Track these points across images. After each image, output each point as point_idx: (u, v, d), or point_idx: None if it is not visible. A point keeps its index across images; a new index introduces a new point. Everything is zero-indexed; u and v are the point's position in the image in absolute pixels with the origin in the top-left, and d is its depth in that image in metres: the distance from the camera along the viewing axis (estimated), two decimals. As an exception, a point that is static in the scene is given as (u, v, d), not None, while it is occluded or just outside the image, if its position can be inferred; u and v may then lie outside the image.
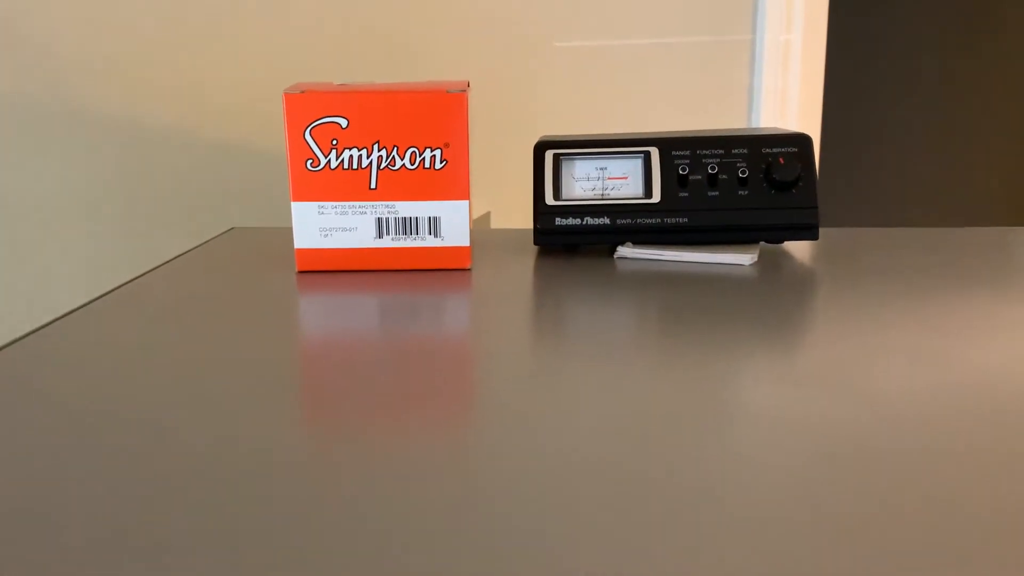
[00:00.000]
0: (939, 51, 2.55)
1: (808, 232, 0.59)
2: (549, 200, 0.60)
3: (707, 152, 0.59)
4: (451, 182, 0.55)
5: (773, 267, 0.57)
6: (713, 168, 0.59)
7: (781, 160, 0.58)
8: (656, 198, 0.59)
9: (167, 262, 0.61)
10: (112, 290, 0.53)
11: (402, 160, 0.55)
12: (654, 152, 0.60)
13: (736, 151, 0.59)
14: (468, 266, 0.57)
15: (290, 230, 0.72)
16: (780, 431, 0.32)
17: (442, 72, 1.20)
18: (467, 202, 0.56)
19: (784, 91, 1.31)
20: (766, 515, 0.26)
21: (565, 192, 0.60)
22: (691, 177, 0.59)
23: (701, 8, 1.27)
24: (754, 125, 1.33)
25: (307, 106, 0.54)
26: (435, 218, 0.56)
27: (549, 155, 0.61)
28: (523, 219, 1.26)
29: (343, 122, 0.55)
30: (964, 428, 0.32)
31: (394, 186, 0.55)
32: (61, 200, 1.21)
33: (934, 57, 2.56)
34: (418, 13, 1.18)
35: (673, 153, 0.60)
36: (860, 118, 2.63)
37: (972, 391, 0.36)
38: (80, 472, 0.30)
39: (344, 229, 0.56)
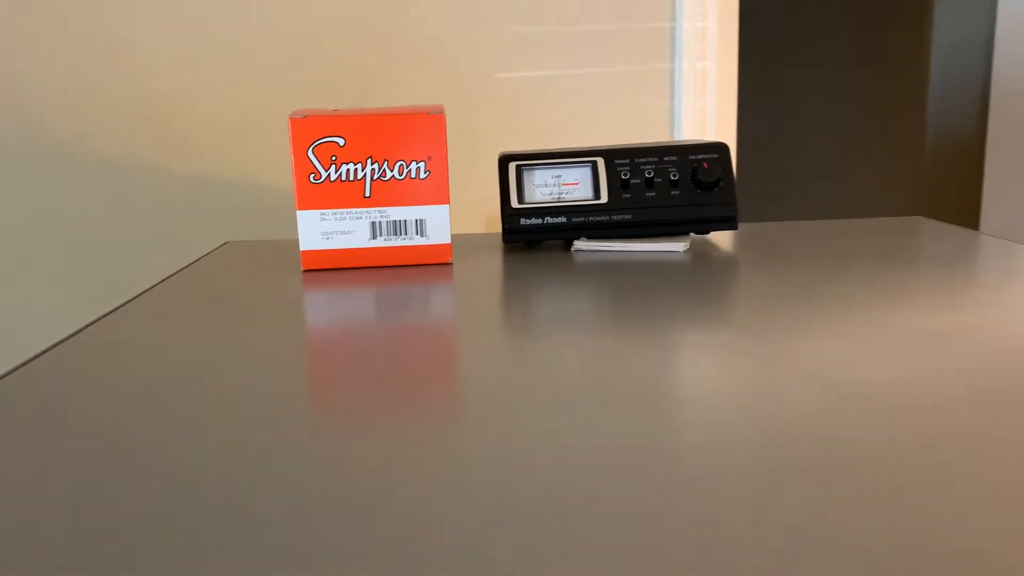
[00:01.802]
0: (840, 66, 2.78)
1: (729, 223, 0.71)
2: (514, 204, 0.70)
3: (644, 160, 0.71)
4: (434, 189, 0.66)
5: (702, 253, 0.69)
6: (649, 173, 0.71)
7: (705, 165, 0.70)
8: (604, 199, 0.70)
9: (172, 275, 0.69)
10: (129, 301, 0.61)
11: (392, 172, 0.65)
12: (600, 161, 0.71)
13: (667, 158, 0.71)
14: (449, 260, 0.67)
15: (282, 241, 0.81)
16: (719, 387, 0.43)
17: (397, 101, 1.30)
18: (447, 206, 0.66)
19: (702, 112, 1.46)
20: (718, 468, 0.35)
21: (527, 197, 0.71)
22: (632, 181, 0.71)
23: (623, 41, 1.41)
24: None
25: (310, 129, 0.64)
26: (421, 220, 0.66)
27: (512, 166, 0.71)
28: (472, 231, 1.37)
29: (341, 141, 0.64)
30: (881, 381, 0.44)
31: (385, 194, 0.65)
32: (41, 232, 1.27)
33: (835, 73, 2.78)
34: (374, 50, 1.28)
35: (616, 162, 0.71)
36: (770, 133, 2.84)
37: (881, 350, 0.48)
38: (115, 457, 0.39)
39: (343, 232, 0.66)
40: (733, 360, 0.42)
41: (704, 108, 1.47)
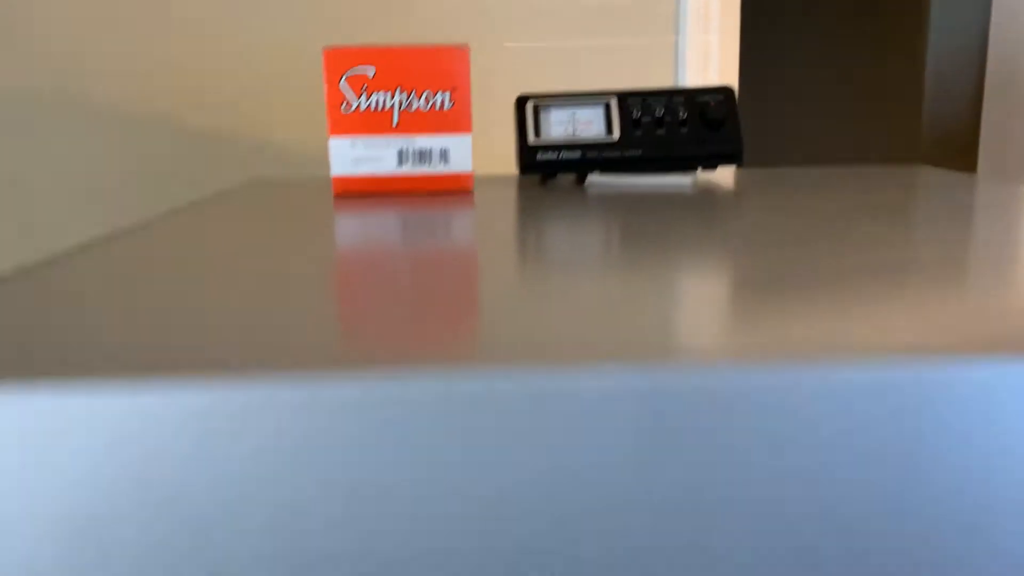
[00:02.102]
0: (838, 54, 2.83)
1: (735, 159, 0.75)
2: (531, 140, 0.75)
3: (654, 100, 0.75)
4: (458, 119, 0.70)
5: (707, 188, 0.73)
6: (660, 112, 0.75)
7: (712, 104, 0.74)
8: (616, 136, 0.74)
9: (195, 202, 0.73)
10: (158, 217, 0.65)
11: (418, 102, 0.69)
12: (613, 101, 0.75)
13: (676, 99, 0.75)
14: (471, 189, 0.72)
15: (306, 178, 0.85)
16: (720, 302, 0.47)
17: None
18: (470, 135, 0.70)
19: (704, 83, 1.50)
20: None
21: (543, 133, 0.75)
22: (643, 119, 0.75)
23: (629, 13, 1.45)
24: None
25: (342, 59, 0.68)
26: (445, 149, 0.70)
27: (529, 105, 0.76)
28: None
29: (371, 71, 0.68)
30: (881, 294, 0.48)
31: (412, 123, 0.69)
32: (66, 186, 1.31)
33: (832, 61, 2.83)
34: (386, 18, 1.32)
35: (628, 101, 0.75)
36: (769, 112, 2.89)
37: (883, 266, 0.52)
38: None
39: (371, 159, 0.70)
40: (733, 273, 0.46)
41: (707, 81, 1.51)
